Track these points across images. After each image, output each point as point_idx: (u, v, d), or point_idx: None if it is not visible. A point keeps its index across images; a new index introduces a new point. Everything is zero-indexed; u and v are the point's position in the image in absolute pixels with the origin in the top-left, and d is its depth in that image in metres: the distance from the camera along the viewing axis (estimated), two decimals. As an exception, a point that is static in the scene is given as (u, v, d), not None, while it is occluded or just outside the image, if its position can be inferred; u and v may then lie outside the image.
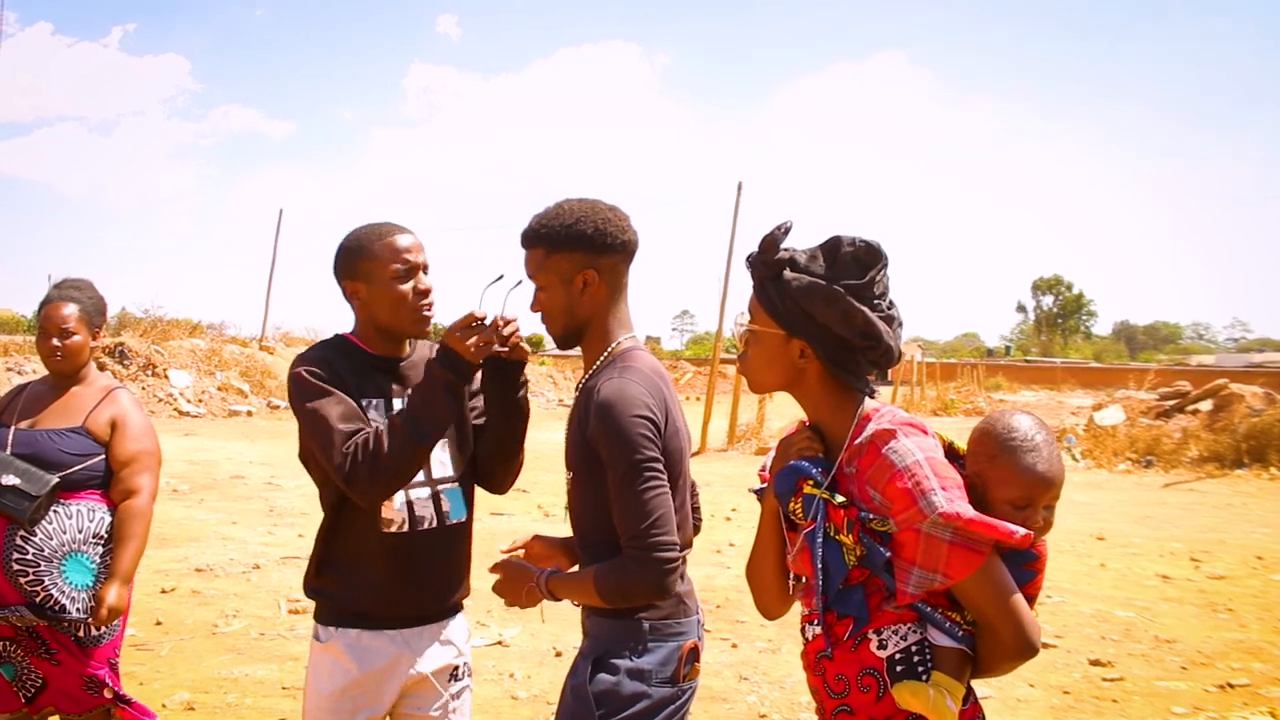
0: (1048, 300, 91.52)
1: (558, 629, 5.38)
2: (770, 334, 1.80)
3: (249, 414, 19.74)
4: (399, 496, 2.24)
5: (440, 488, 2.33)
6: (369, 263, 2.26)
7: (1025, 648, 1.65)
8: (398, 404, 2.29)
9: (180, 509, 9.14)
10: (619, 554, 1.98)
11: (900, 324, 1.80)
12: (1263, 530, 9.87)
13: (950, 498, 1.62)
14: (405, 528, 2.27)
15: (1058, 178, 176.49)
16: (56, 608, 2.98)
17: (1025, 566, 1.72)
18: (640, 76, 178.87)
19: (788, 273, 1.77)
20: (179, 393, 19.30)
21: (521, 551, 2.33)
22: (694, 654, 2.07)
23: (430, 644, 2.33)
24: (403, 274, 2.25)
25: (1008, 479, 1.74)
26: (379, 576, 2.25)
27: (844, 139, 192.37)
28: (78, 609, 3.02)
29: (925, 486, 1.62)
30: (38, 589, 2.95)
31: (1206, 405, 16.36)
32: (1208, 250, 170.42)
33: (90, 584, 3.05)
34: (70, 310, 3.11)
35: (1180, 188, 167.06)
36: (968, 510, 1.62)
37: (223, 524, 8.67)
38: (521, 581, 2.14)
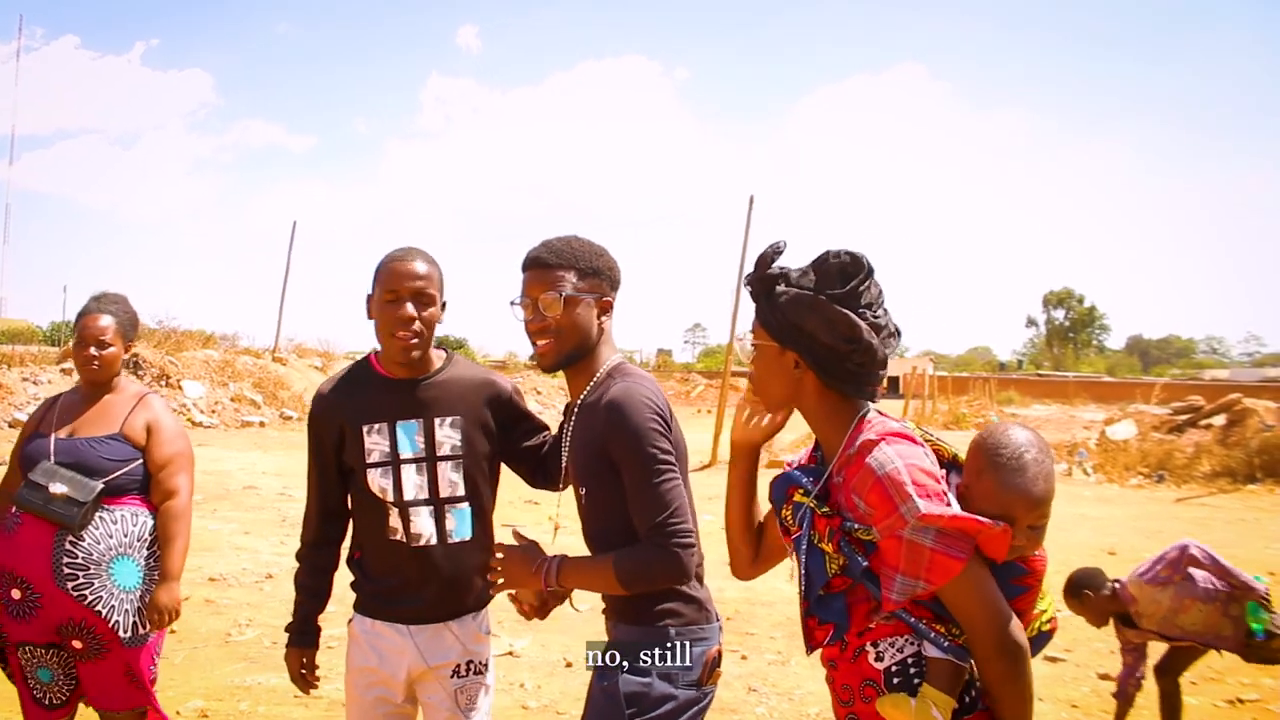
0: (1058, 314, 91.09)
1: (568, 640, 5.41)
2: (767, 346, 1.87)
3: (261, 425, 19.81)
4: (394, 512, 2.41)
5: (448, 507, 2.44)
6: (375, 281, 2.41)
7: (1005, 645, 1.66)
8: (405, 426, 2.41)
9: (194, 519, 9.16)
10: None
11: (892, 334, 1.83)
12: (1276, 546, 9.82)
13: (928, 502, 1.65)
14: (404, 539, 2.43)
15: (1069, 191, 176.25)
16: (105, 610, 3.08)
17: (1015, 580, 1.74)
18: (659, 91, 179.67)
19: (779, 287, 1.84)
20: (192, 403, 19.39)
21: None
22: (717, 660, 2.13)
23: (434, 640, 2.46)
24: (391, 299, 2.36)
25: (989, 495, 1.76)
26: (386, 577, 2.47)
27: (859, 151, 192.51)
28: (126, 610, 3.12)
29: (905, 492, 1.66)
30: (87, 592, 3.05)
31: (1219, 420, 16.27)
32: (1222, 264, 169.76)
33: (137, 585, 3.17)
34: (107, 322, 3.24)
35: (1194, 201, 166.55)
36: (946, 510, 1.65)
37: (236, 534, 8.73)
38: (527, 563, 2.16)
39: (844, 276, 1.80)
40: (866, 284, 1.81)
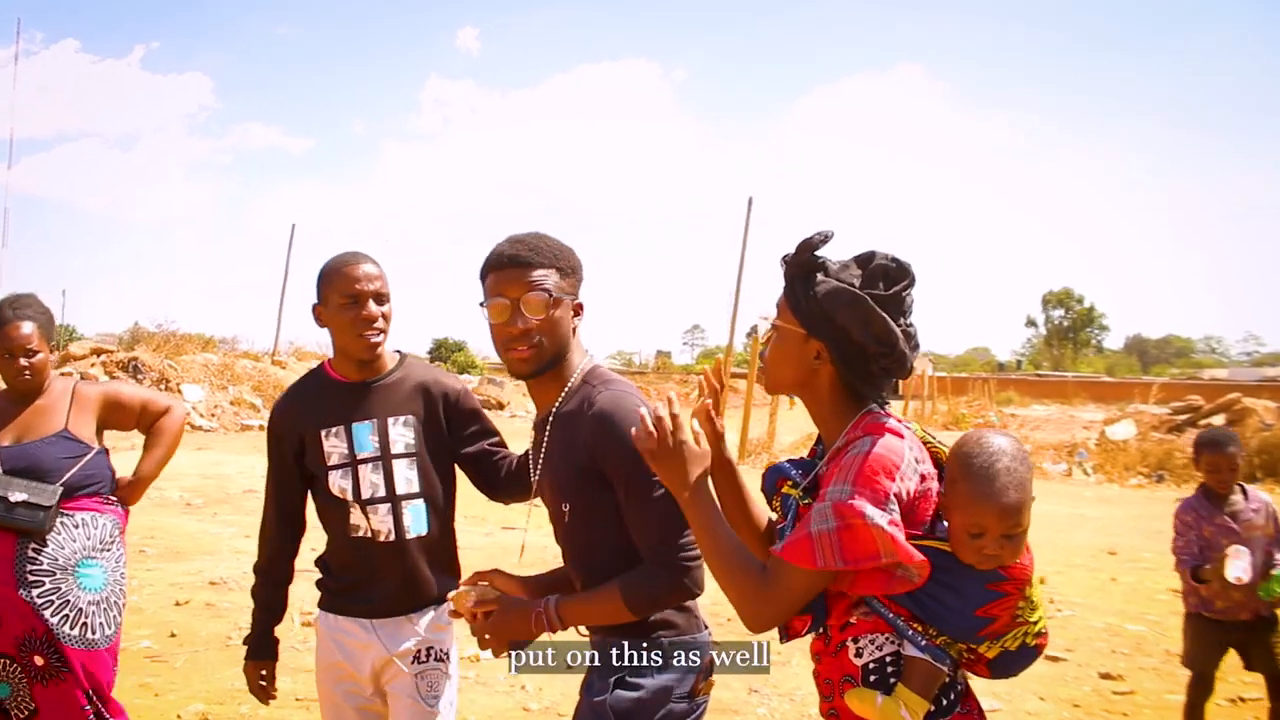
0: (1058, 314, 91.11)
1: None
2: (791, 331, 1.82)
3: (261, 428, 19.76)
4: (355, 510, 2.49)
5: (404, 503, 2.50)
6: (326, 288, 2.48)
7: (751, 613, 1.76)
8: (359, 428, 2.50)
9: (193, 523, 9.18)
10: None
11: (917, 345, 1.81)
12: (1275, 545, 9.80)
13: (856, 497, 1.64)
14: (367, 534, 2.50)
15: (1068, 191, 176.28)
16: (72, 614, 3.05)
17: (989, 586, 1.71)
18: (658, 92, 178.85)
19: (819, 275, 1.80)
20: (191, 407, 19.36)
21: (470, 593, 2.14)
22: (709, 669, 2.09)
23: (396, 631, 2.52)
24: (348, 302, 2.44)
25: (961, 505, 1.72)
26: (348, 573, 2.55)
27: (858, 152, 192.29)
28: (93, 613, 3.09)
29: (847, 477, 1.66)
30: (54, 597, 3.02)
31: (1219, 419, 16.30)
32: (1221, 263, 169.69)
33: (103, 587, 3.14)
34: (30, 329, 3.13)
35: (1193, 201, 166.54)
36: (874, 516, 1.62)
37: (236, 538, 8.70)
38: (521, 618, 2.04)
39: (888, 280, 1.77)
40: (908, 292, 1.79)
